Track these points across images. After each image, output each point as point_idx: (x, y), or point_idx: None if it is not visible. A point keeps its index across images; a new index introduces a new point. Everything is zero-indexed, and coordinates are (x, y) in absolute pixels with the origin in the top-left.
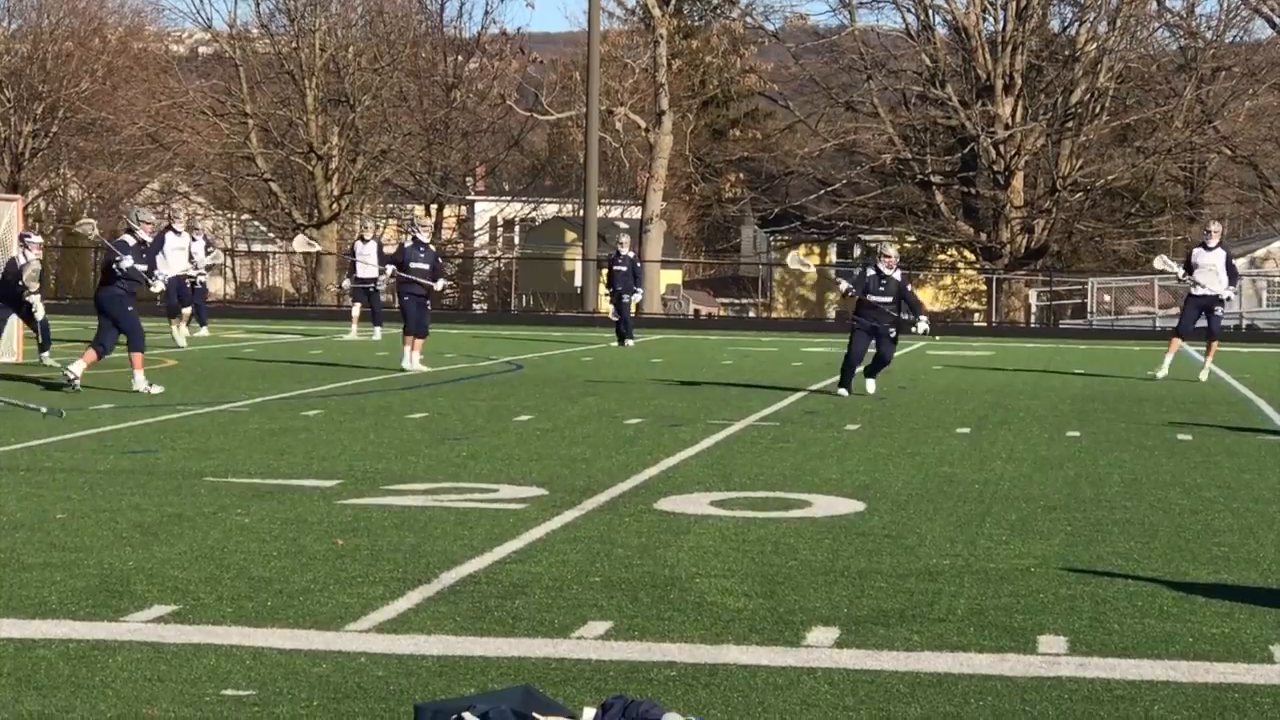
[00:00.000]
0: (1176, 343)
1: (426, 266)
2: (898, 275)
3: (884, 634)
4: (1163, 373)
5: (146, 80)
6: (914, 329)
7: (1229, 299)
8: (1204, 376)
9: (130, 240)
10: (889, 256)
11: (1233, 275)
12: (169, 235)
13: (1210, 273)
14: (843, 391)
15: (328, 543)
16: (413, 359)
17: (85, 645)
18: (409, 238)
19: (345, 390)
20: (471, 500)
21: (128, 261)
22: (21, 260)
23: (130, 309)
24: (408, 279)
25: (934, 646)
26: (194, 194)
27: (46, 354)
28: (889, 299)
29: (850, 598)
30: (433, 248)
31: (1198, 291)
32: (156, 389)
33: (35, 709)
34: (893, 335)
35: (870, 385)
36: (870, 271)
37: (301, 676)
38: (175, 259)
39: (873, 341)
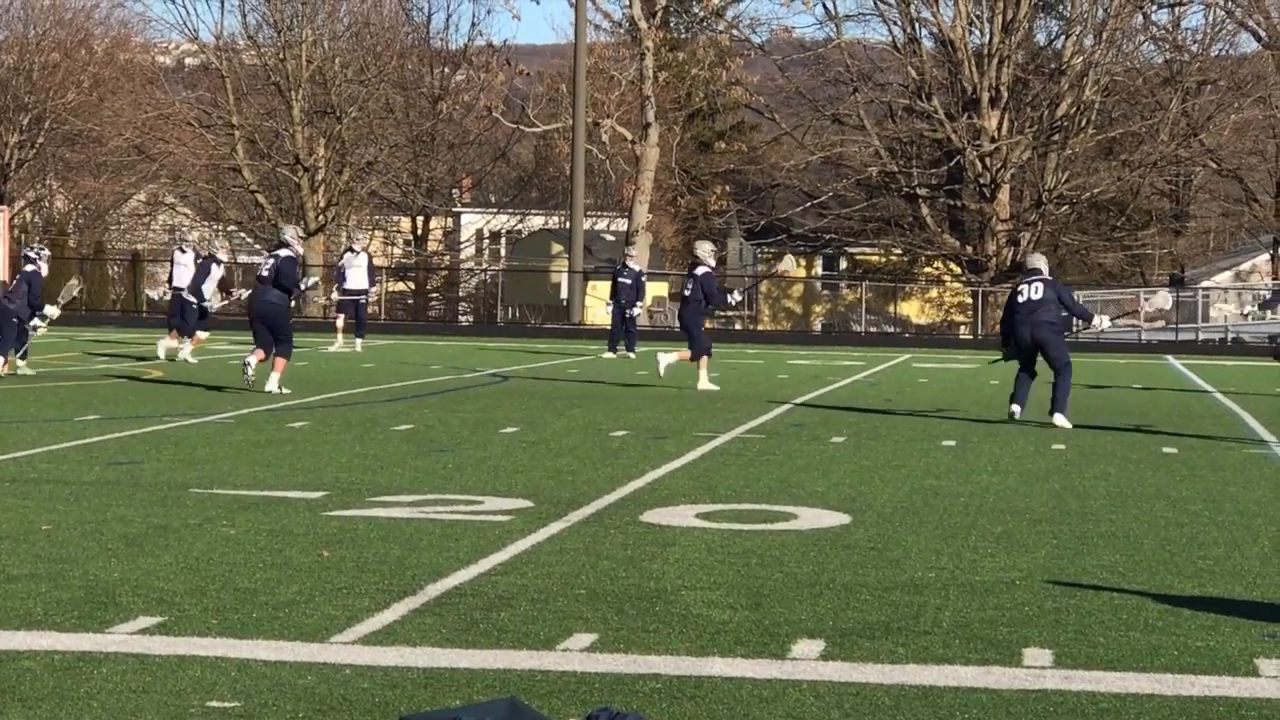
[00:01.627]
0: None
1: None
2: None
3: (869, 646)
4: None
5: (133, 91)
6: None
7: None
8: None
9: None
10: None
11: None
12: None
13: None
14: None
15: (313, 554)
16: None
17: (70, 657)
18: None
19: (331, 402)
20: (457, 512)
21: (311, 280)
22: (45, 272)
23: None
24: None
25: (919, 659)
26: (180, 205)
27: (23, 362)
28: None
29: (836, 610)
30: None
31: None
32: (286, 390)
33: None
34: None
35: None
36: None
37: (287, 688)
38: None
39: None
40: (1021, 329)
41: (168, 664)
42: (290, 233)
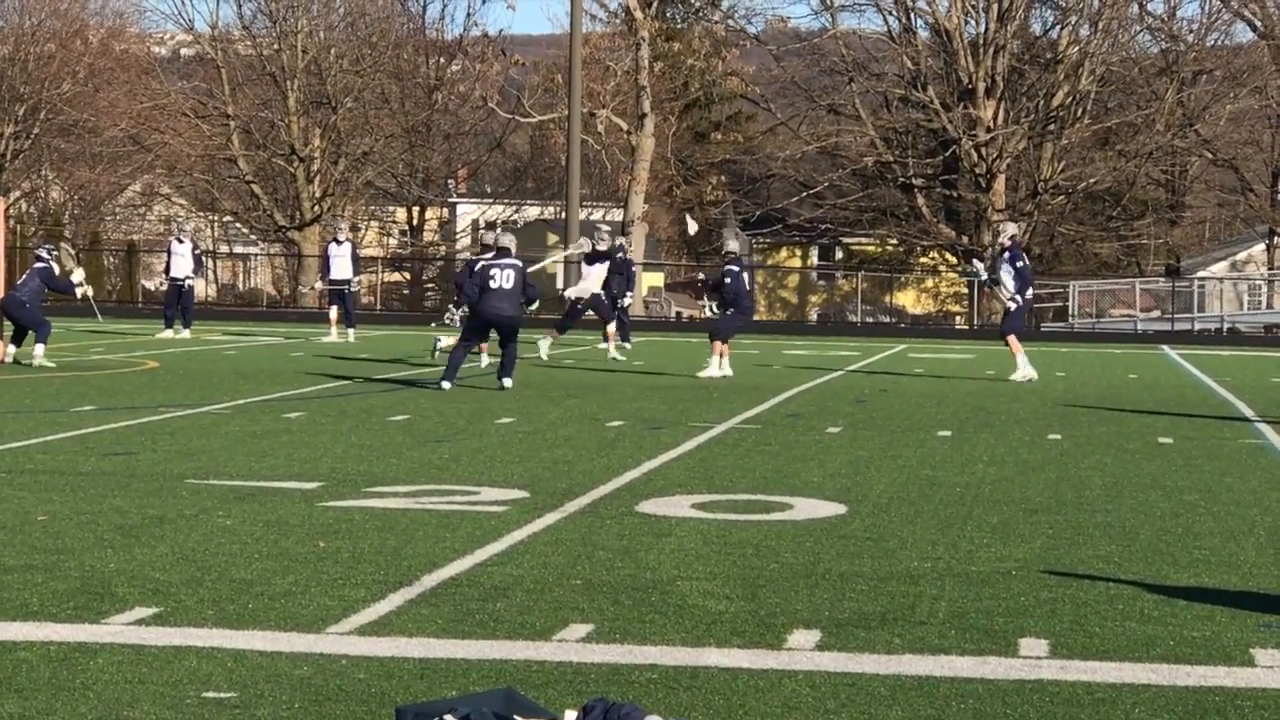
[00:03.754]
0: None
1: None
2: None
3: (865, 637)
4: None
5: (128, 82)
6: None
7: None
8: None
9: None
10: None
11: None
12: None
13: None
14: None
15: (309, 545)
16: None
17: (66, 648)
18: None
19: (326, 392)
20: (453, 503)
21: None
22: (56, 269)
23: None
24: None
25: (915, 649)
26: (175, 196)
27: (41, 348)
28: None
29: (831, 600)
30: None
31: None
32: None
33: (15, 711)
34: None
35: None
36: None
37: (283, 679)
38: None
39: None
40: None
41: (164, 655)
42: (507, 240)
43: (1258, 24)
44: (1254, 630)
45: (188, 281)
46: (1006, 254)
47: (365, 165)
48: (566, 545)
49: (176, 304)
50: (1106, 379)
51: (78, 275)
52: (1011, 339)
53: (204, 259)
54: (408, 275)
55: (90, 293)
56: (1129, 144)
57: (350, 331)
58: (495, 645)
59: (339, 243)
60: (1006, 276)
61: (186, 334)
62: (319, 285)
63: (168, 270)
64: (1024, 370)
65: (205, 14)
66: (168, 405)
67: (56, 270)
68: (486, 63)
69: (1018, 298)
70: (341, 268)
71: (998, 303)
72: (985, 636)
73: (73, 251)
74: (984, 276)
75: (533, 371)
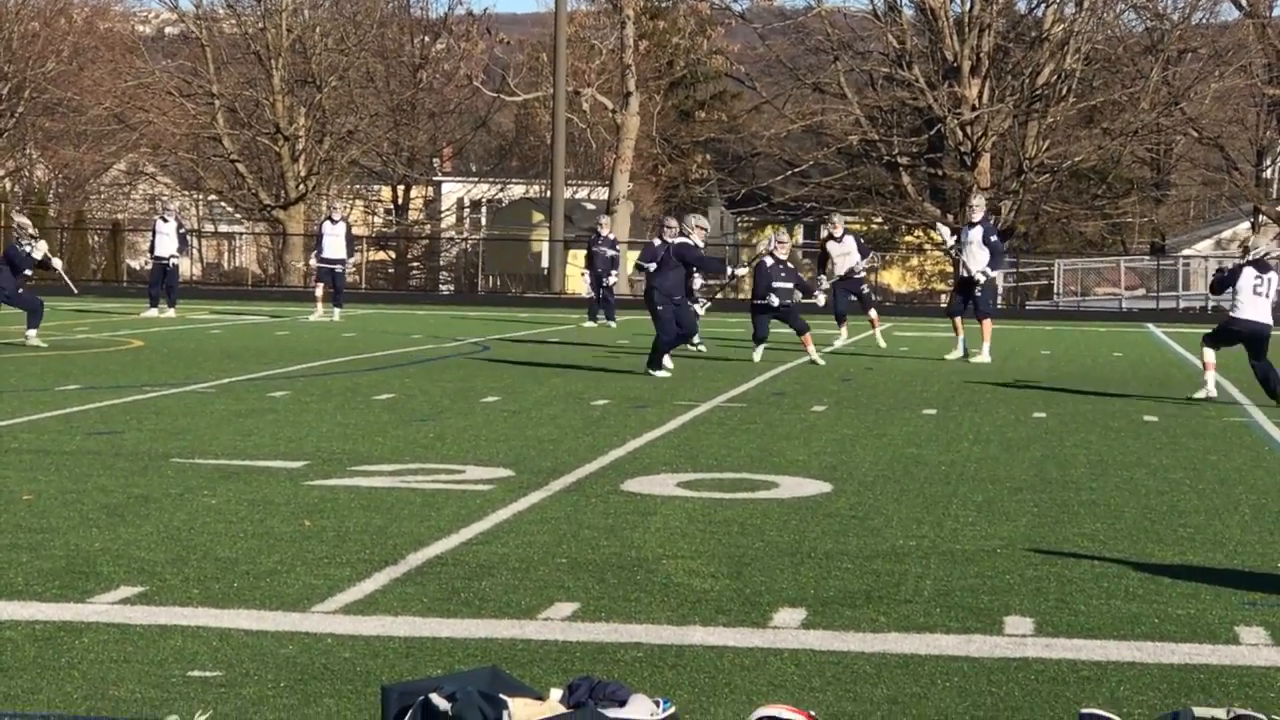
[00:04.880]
0: (957, 323)
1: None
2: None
3: (850, 615)
4: (956, 353)
5: (113, 60)
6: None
7: (981, 279)
8: (982, 358)
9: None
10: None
11: (995, 254)
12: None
13: (968, 250)
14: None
15: (295, 524)
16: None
17: (51, 626)
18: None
19: (312, 371)
20: (438, 481)
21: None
22: (28, 248)
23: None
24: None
25: (900, 627)
26: (160, 175)
27: (33, 332)
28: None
29: (817, 579)
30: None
31: (963, 273)
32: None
33: (1, 690)
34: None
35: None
36: None
37: (268, 657)
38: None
39: None
40: None
41: (149, 634)
42: (694, 222)
43: (1243, 2)
44: (1239, 608)
45: (173, 260)
46: (978, 228)
47: (350, 144)
48: (552, 524)
49: (161, 283)
50: (1091, 357)
51: (40, 250)
52: (986, 322)
53: (189, 238)
54: (393, 254)
55: (60, 265)
56: (1114, 122)
57: (336, 311)
58: (480, 624)
59: (334, 221)
60: (980, 250)
61: (172, 313)
62: (314, 262)
63: (153, 249)
64: (960, 351)
65: None
66: (153, 384)
67: (25, 250)
68: (471, 41)
69: (986, 270)
70: (334, 247)
71: (964, 272)
72: (970, 614)
73: (32, 230)
74: (949, 243)
75: (517, 350)
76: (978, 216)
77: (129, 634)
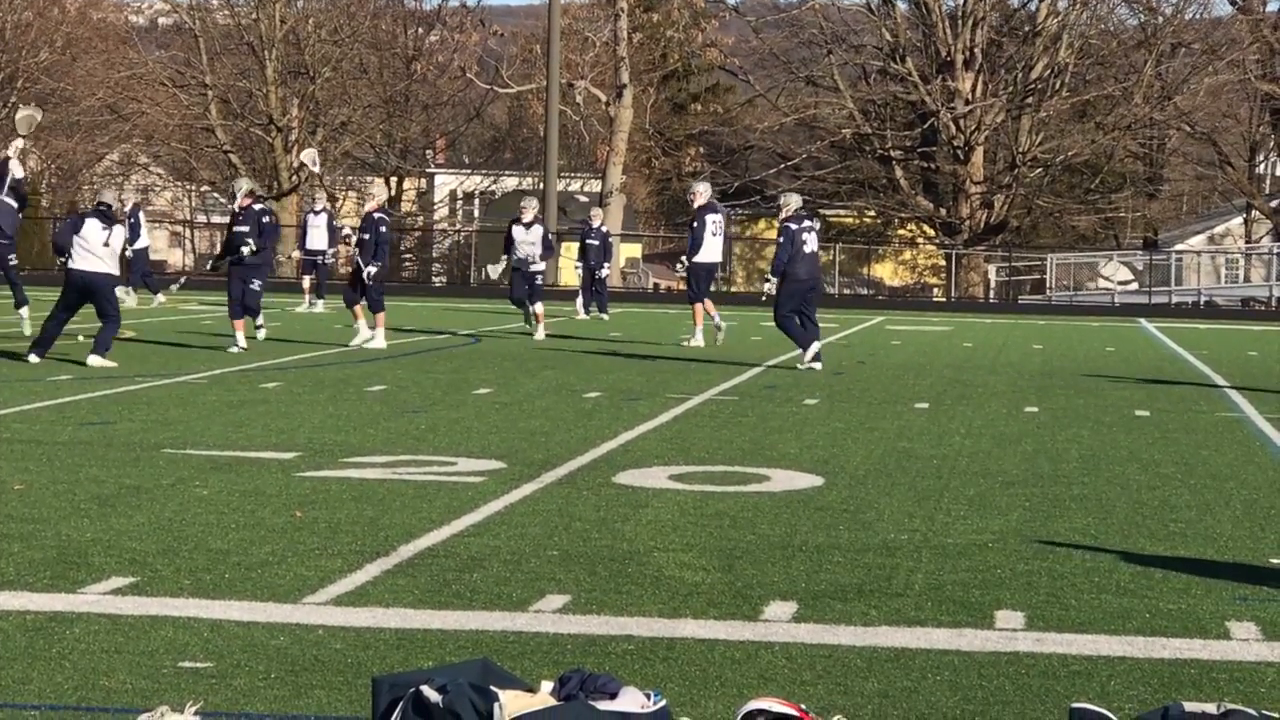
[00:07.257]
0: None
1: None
2: None
3: (842, 609)
4: (696, 341)
5: (105, 51)
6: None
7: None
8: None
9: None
10: None
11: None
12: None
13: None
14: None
15: (286, 515)
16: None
17: (42, 617)
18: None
19: (303, 363)
20: (430, 473)
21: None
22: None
23: None
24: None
25: (891, 621)
26: (153, 165)
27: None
28: None
29: (808, 572)
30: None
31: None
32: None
33: None
34: None
35: None
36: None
37: (259, 649)
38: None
39: None
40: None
41: (140, 624)
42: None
43: None
44: (1230, 603)
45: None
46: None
47: (343, 135)
48: (543, 516)
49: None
50: (1084, 352)
51: (13, 149)
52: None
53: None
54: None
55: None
56: (1107, 117)
57: (320, 302)
58: (472, 616)
59: (315, 212)
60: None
61: (161, 298)
62: (296, 254)
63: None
64: (699, 339)
65: None
66: (144, 375)
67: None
68: (465, 33)
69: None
70: (316, 238)
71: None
72: (962, 608)
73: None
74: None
75: (509, 343)
76: (701, 201)
77: (120, 624)
